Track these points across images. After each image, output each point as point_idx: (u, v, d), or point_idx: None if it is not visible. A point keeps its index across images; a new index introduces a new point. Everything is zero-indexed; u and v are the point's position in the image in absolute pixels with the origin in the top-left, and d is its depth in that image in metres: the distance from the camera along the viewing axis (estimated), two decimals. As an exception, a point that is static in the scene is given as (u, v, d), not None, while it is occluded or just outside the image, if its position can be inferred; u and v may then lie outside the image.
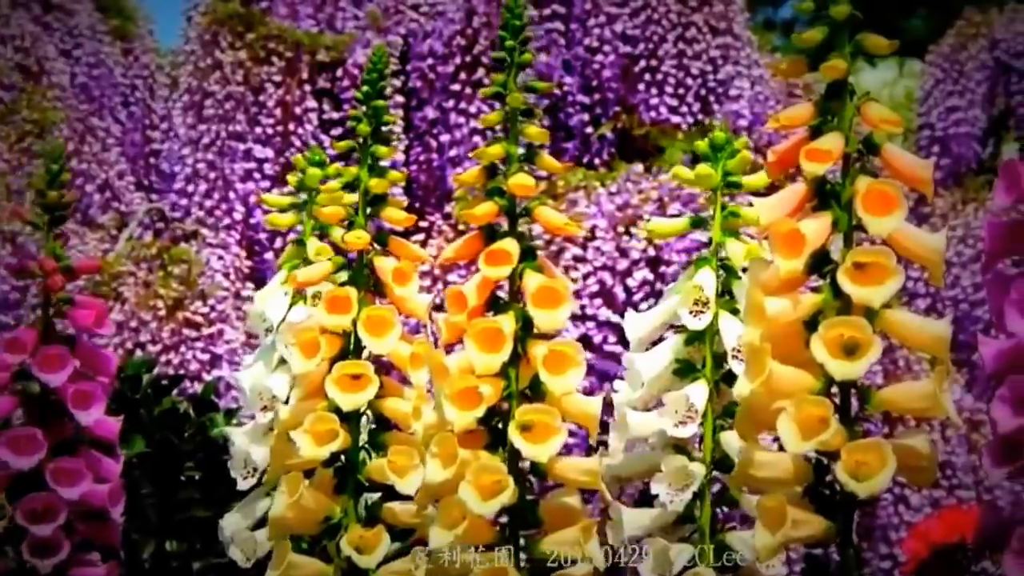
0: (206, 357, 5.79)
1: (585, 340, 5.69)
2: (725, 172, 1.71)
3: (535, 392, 1.66)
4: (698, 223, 1.73)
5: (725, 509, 1.71)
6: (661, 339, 1.76)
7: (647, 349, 1.75)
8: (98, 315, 1.88)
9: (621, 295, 5.84)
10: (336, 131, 6.79)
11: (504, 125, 1.70)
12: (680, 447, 1.65)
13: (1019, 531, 1.34)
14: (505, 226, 1.69)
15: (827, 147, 1.48)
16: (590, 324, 5.79)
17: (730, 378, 1.66)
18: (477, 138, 6.55)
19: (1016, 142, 8.41)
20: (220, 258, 6.51)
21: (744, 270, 1.71)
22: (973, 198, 7.60)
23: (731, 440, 1.63)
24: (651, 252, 5.86)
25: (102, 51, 7.87)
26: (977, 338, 1.41)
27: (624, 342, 1.79)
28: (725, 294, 1.70)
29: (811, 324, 1.47)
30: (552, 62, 6.79)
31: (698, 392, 1.63)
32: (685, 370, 1.68)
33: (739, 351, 1.63)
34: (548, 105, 6.70)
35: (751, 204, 1.58)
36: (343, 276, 1.78)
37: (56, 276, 1.87)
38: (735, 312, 1.67)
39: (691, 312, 1.66)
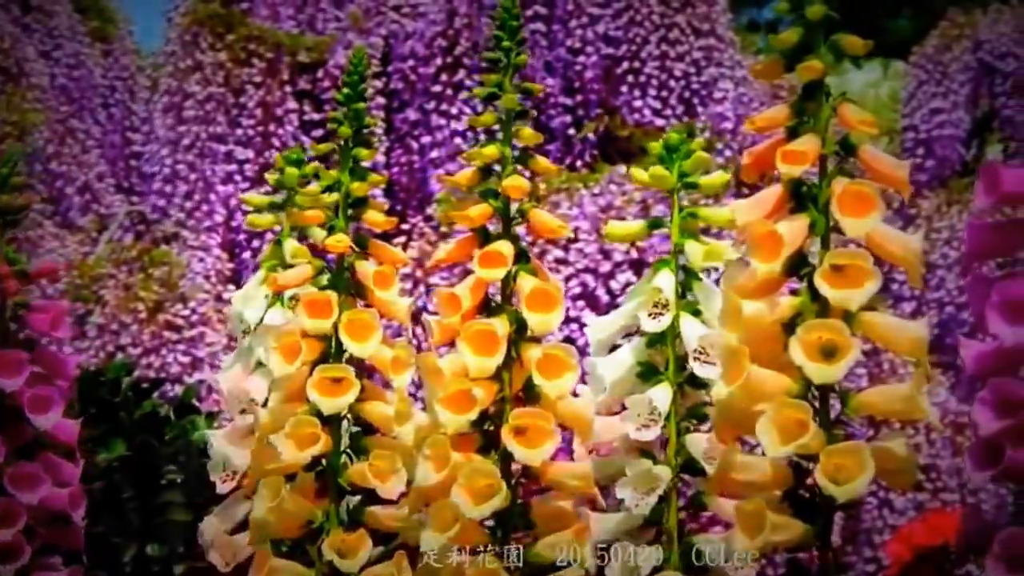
0: (187, 360, 5.77)
1: (569, 342, 5.67)
2: (681, 173, 1.68)
3: (529, 395, 1.65)
4: (656, 225, 1.71)
5: (706, 514, 1.70)
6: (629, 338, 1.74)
7: (609, 352, 1.73)
8: (54, 318, 1.86)
9: (604, 297, 5.84)
10: (317, 132, 6.78)
11: (498, 126, 1.69)
12: (644, 451, 1.63)
13: (1002, 534, 1.33)
14: (497, 228, 1.68)
15: (803, 148, 1.47)
16: (573, 326, 5.79)
17: (693, 380, 1.64)
18: (458, 140, 6.54)
19: (1000, 143, 8.43)
20: (201, 260, 6.49)
21: (707, 270, 1.69)
22: (957, 200, 7.62)
23: (696, 442, 1.61)
24: (634, 254, 5.86)
25: (82, 52, 7.85)
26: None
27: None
28: (686, 295, 1.68)
29: (789, 327, 1.46)
30: (534, 63, 6.78)
31: (661, 395, 1.61)
32: (647, 373, 1.66)
33: (701, 353, 1.61)
34: (530, 106, 6.68)
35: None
36: (324, 279, 1.77)
37: (10, 281, 1.86)
38: (696, 313, 1.65)
39: (650, 315, 1.64)
